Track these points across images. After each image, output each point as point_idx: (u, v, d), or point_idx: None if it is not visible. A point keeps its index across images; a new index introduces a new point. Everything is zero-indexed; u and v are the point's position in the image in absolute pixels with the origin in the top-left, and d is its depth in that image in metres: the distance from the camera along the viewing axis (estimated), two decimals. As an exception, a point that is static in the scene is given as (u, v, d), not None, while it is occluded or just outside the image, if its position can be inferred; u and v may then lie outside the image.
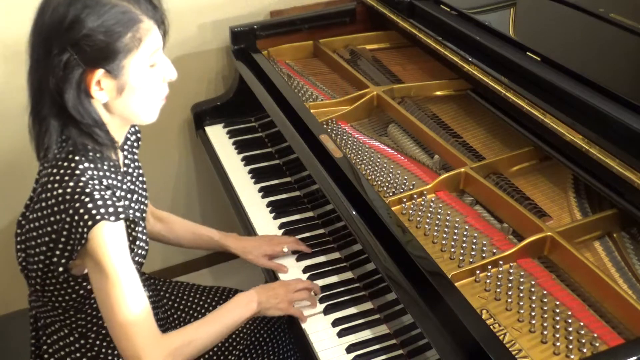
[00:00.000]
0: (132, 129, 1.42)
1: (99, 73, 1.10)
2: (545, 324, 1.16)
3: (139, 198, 1.36)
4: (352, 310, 1.41)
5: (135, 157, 1.41)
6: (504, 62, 1.55)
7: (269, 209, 1.74)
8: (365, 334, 1.35)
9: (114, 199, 1.15)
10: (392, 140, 1.72)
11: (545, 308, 1.19)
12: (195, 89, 2.24)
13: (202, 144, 2.11)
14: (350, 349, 1.32)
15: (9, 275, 2.11)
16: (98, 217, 1.10)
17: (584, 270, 1.22)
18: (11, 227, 1.37)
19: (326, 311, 1.41)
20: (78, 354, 1.32)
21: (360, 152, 1.65)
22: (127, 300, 1.14)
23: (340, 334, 1.35)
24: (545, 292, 1.22)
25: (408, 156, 1.64)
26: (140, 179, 1.40)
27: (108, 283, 1.13)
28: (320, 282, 1.48)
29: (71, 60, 1.08)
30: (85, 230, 1.10)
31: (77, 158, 1.15)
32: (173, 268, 2.57)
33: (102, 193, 1.13)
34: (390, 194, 1.49)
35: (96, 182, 1.14)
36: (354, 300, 1.43)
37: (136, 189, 1.35)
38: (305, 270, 1.53)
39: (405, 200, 1.45)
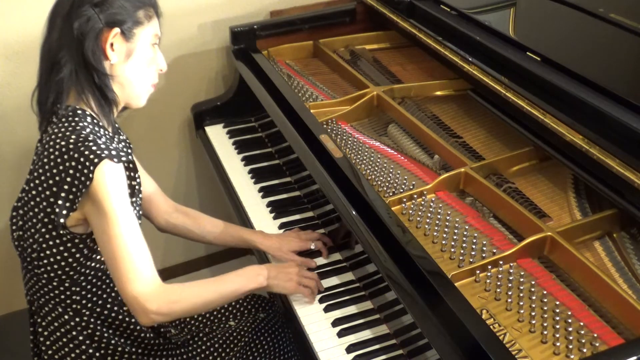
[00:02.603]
0: (124, 137, 1.45)
1: (115, 31, 1.26)
2: (545, 324, 1.16)
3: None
4: (352, 310, 1.41)
5: (130, 157, 1.41)
6: (504, 62, 1.55)
7: (269, 209, 1.74)
8: (365, 334, 1.35)
9: (116, 147, 1.26)
10: (392, 140, 1.72)
11: (545, 308, 1.19)
12: (195, 89, 2.24)
13: (202, 144, 2.11)
14: (350, 349, 1.32)
15: (9, 275, 2.11)
16: (103, 154, 1.19)
17: (584, 270, 1.22)
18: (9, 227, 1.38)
19: (326, 311, 1.41)
20: (74, 332, 1.34)
21: (360, 152, 1.65)
22: (127, 240, 1.20)
23: (340, 334, 1.35)
24: (545, 292, 1.23)
25: (408, 156, 1.64)
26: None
27: (109, 224, 1.19)
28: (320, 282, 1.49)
29: (93, 17, 1.24)
30: (92, 168, 1.18)
31: (77, 119, 1.25)
32: (173, 268, 2.57)
33: (103, 139, 1.25)
34: (390, 194, 1.49)
35: (97, 134, 1.25)
36: (354, 300, 1.43)
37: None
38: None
39: (405, 200, 1.45)
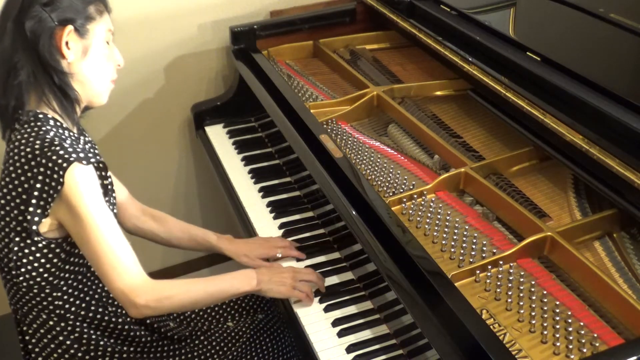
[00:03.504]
0: (89, 138, 1.43)
1: (69, 29, 1.23)
2: (545, 324, 1.16)
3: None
4: (352, 310, 1.41)
5: (99, 157, 1.40)
6: (504, 62, 1.55)
7: (269, 209, 1.74)
8: (365, 334, 1.35)
9: (83, 148, 1.25)
10: (392, 140, 1.72)
11: (545, 308, 1.19)
12: (195, 89, 2.24)
13: (202, 144, 2.11)
14: (350, 349, 1.32)
15: None
16: (71, 158, 1.18)
17: (584, 270, 1.22)
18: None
19: (326, 311, 1.41)
20: (61, 337, 1.33)
21: (360, 152, 1.65)
22: (107, 239, 1.21)
23: (340, 334, 1.35)
24: (545, 292, 1.22)
25: (408, 156, 1.64)
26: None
27: (86, 227, 1.19)
28: (320, 282, 1.49)
29: (45, 16, 1.22)
30: (62, 173, 1.17)
31: (39, 123, 1.23)
32: (173, 268, 2.57)
33: (69, 142, 1.24)
34: (390, 194, 1.49)
35: (61, 137, 1.24)
36: (354, 300, 1.43)
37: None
38: (305, 270, 1.53)
39: (405, 200, 1.45)
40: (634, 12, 1.55)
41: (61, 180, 1.17)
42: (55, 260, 1.27)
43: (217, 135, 2.07)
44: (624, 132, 1.25)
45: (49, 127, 1.24)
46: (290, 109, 1.72)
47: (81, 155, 1.20)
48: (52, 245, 1.26)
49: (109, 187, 1.32)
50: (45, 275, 1.27)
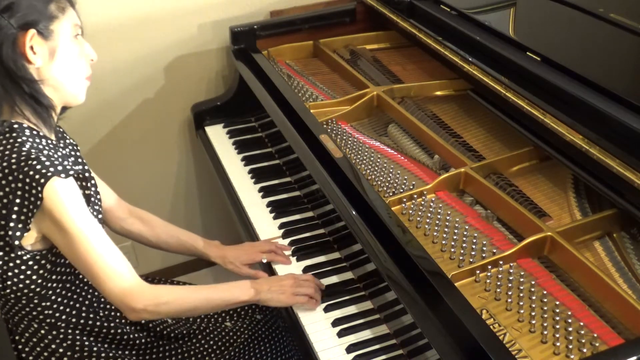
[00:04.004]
0: (70, 140, 1.40)
1: (31, 33, 1.17)
2: (545, 324, 1.16)
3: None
4: (352, 310, 1.41)
5: (79, 167, 1.37)
6: (504, 62, 1.55)
7: (269, 209, 1.74)
8: (365, 334, 1.35)
9: (60, 159, 1.20)
10: (392, 140, 1.72)
11: (545, 308, 1.19)
12: (195, 89, 2.24)
13: (202, 144, 2.11)
14: (350, 349, 1.32)
15: None
16: (49, 173, 1.15)
17: (584, 270, 1.22)
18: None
19: (326, 311, 1.41)
20: (54, 345, 1.32)
21: (360, 152, 1.65)
22: (97, 249, 1.19)
23: (340, 334, 1.35)
24: (545, 292, 1.22)
25: (408, 156, 1.64)
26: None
27: (73, 239, 1.17)
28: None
29: (4, 24, 1.16)
30: (40, 189, 1.14)
31: (14, 134, 1.20)
32: (173, 268, 2.57)
33: (47, 152, 1.20)
34: (390, 194, 1.49)
35: (38, 148, 1.20)
36: (354, 300, 1.43)
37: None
38: (305, 270, 1.53)
39: (405, 200, 1.45)
40: (634, 12, 1.55)
41: (40, 195, 1.15)
42: (41, 272, 1.25)
43: (217, 135, 2.07)
44: (624, 132, 1.25)
45: (24, 138, 1.19)
46: (290, 109, 1.72)
47: (59, 168, 1.17)
48: (37, 257, 1.24)
49: (93, 194, 1.30)
50: (32, 286, 1.26)
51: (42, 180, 1.14)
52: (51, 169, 1.16)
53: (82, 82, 1.29)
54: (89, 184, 1.28)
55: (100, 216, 1.34)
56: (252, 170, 1.90)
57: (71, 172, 1.19)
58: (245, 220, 1.74)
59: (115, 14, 2.01)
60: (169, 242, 1.62)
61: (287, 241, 1.63)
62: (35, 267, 1.24)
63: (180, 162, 2.38)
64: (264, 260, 1.57)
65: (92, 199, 1.30)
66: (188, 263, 2.60)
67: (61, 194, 1.16)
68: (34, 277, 1.25)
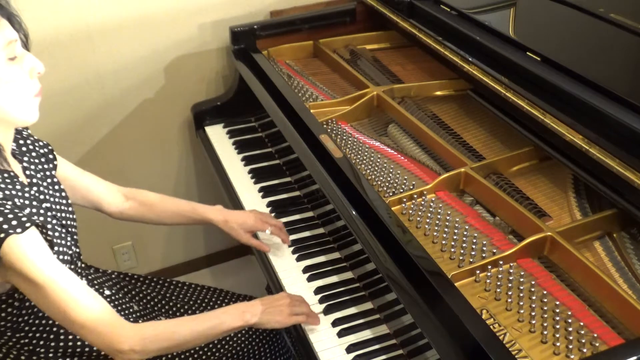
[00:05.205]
0: (41, 143, 1.35)
1: None
2: (545, 324, 1.16)
3: (53, 206, 1.29)
4: (352, 310, 1.41)
5: (48, 173, 1.33)
6: (504, 62, 1.55)
7: (269, 209, 1.74)
8: (365, 334, 1.35)
9: (15, 210, 1.09)
10: (392, 140, 1.72)
11: (545, 308, 1.19)
12: (195, 89, 2.24)
13: (202, 144, 2.11)
14: (350, 349, 1.32)
15: None
16: (3, 234, 1.05)
17: (584, 270, 1.22)
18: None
19: (326, 311, 1.41)
20: None
21: (360, 152, 1.65)
22: (73, 299, 1.11)
23: (340, 334, 1.35)
24: (545, 292, 1.23)
25: (408, 156, 1.64)
26: (57, 194, 1.33)
27: (46, 291, 1.10)
28: (320, 282, 1.49)
29: None
30: None
31: None
32: (173, 268, 2.57)
33: (2, 196, 1.10)
34: (390, 194, 1.49)
35: None
36: (354, 300, 1.43)
37: (48, 197, 1.28)
38: (305, 270, 1.53)
39: (405, 200, 1.45)
40: (634, 12, 1.55)
41: None
42: (9, 310, 1.20)
43: (217, 135, 2.07)
44: (624, 132, 1.25)
45: None
46: (290, 109, 1.72)
47: (14, 223, 1.06)
48: (4, 297, 1.18)
49: (56, 235, 1.22)
50: (2, 323, 1.21)
51: None
52: (5, 227, 1.06)
53: (30, 101, 1.15)
54: (50, 227, 1.20)
55: (71, 251, 1.27)
56: (252, 170, 1.90)
57: (28, 225, 1.08)
58: (245, 220, 1.74)
59: (115, 14, 2.01)
60: (172, 217, 1.59)
61: (287, 241, 1.63)
62: (3, 305, 1.19)
63: (180, 162, 2.38)
64: (268, 232, 1.55)
65: (56, 247, 1.21)
66: (188, 263, 2.60)
67: (21, 250, 1.07)
68: (3, 314, 1.20)
